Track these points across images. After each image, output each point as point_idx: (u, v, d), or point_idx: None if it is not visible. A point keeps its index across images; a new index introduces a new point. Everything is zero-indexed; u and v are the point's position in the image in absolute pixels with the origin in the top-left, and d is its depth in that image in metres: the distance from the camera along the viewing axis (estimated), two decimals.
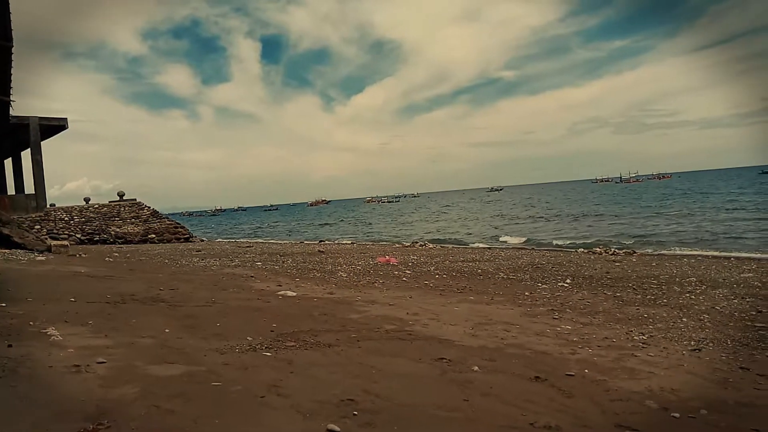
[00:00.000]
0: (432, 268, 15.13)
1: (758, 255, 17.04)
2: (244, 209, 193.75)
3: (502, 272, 14.00)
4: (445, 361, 5.93)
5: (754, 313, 8.50)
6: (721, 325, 7.81)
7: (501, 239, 29.08)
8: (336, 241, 34.31)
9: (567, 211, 50.13)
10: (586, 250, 19.28)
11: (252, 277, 13.68)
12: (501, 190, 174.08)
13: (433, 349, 6.51)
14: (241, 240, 41.10)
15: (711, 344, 6.80)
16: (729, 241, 21.55)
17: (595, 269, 14.07)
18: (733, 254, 17.48)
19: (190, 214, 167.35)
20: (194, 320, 7.81)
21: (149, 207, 34.32)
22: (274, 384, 4.93)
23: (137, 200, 34.30)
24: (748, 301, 9.38)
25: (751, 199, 45.12)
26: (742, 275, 12.19)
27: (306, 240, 38.04)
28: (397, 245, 26.79)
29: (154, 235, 32.51)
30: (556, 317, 8.52)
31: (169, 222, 34.39)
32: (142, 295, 9.71)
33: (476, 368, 5.66)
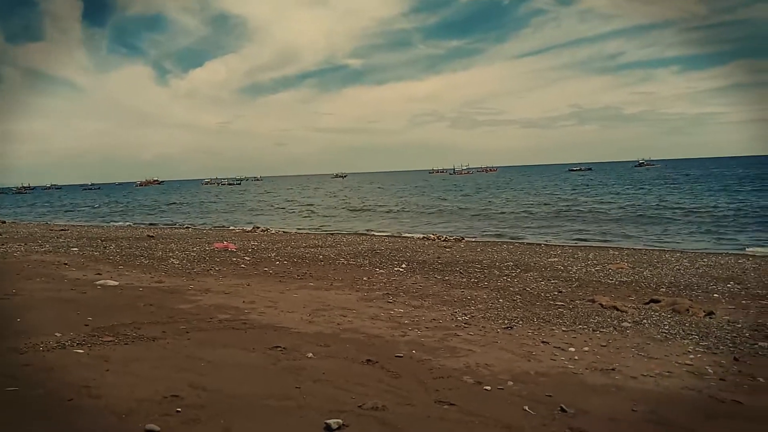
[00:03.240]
0: (273, 254, 14.88)
1: (561, 242, 19.61)
2: (59, 187, 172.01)
3: (343, 258, 14.26)
4: (279, 349, 5.85)
5: (556, 293, 9.74)
6: (530, 304, 8.82)
7: (341, 225, 29.67)
8: (169, 225, 32.04)
9: (406, 199, 52.77)
10: (421, 236, 20.48)
11: (65, 264, 12.18)
12: (345, 176, 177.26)
13: (268, 337, 6.40)
14: (54, 222, 36.36)
15: (521, 322, 7.64)
16: (541, 229, 24.46)
17: (428, 254, 15.00)
18: (542, 242, 19.88)
19: None
20: None
21: None
22: (85, 384, 4.44)
23: None
24: (552, 283, 10.72)
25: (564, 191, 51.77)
26: (549, 260, 13.90)
27: (134, 223, 34.94)
28: (237, 230, 25.87)
29: None
30: (391, 301, 8.91)
31: None
32: None
33: (311, 355, 5.68)
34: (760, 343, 6.57)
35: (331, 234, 23.87)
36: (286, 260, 13.78)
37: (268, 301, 8.64)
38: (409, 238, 20.87)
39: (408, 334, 6.82)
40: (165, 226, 30.88)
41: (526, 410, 4.45)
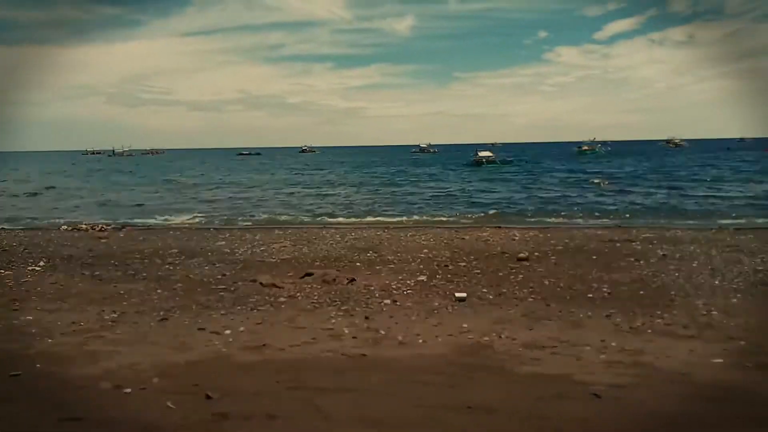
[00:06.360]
0: None
1: (254, 225, 19.67)
2: None
3: None
4: None
5: (220, 276, 9.68)
6: (191, 291, 8.53)
7: None
8: None
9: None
10: (70, 227, 17.68)
11: None
12: None
13: None
14: None
15: (178, 311, 7.32)
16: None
17: (78, 248, 13.07)
18: (237, 225, 19.43)
19: None
20: None
21: None
22: None
23: None
24: (217, 267, 10.62)
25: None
26: (216, 244, 13.73)
27: None
28: None
29: None
30: (17, 308, 7.40)
31: None
32: None
33: None
34: (384, 301, 7.85)
35: None
36: None
37: None
38: (53, 229, 17.78)
39: (34, 346, 5.74)
40: None
41: (169, 406, 4.22)
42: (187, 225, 19.46)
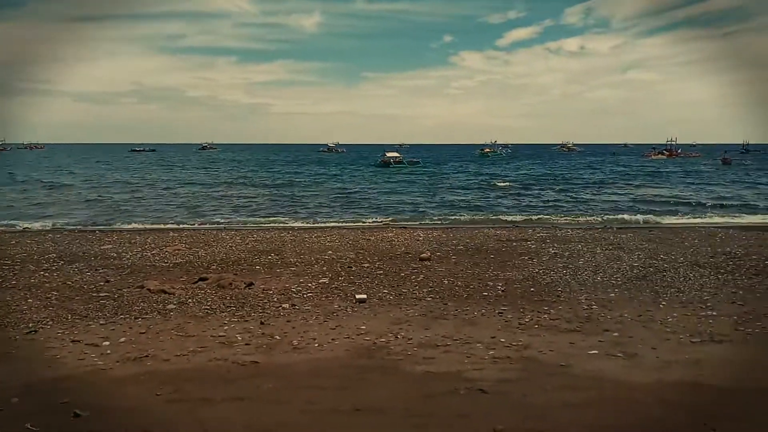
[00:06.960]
0: None
1: (122, 227, 18.38)
2: None
3: None
4: None
5: (102, 283, 8.95)
6: (67, 300, 7.81)
7: None
8: None
9: None
10: None
11: None
12: None
13: None
14: None
15: (50, 323, 6.67)
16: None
17: None
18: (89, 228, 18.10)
19: None
20: None
21: None
22: None
23: None
24: (100, 273, 9.82)
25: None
26: (102, 247, 12.71)
27: None
28: None
29: None
30: None
31: None
32: None
33: None
34: (283, 305, 7.62)
35: None
36: None
37: None
38: None
39: None
40: None
41: (28, 428, 3.79)
42: (68, 228, 17.85)
